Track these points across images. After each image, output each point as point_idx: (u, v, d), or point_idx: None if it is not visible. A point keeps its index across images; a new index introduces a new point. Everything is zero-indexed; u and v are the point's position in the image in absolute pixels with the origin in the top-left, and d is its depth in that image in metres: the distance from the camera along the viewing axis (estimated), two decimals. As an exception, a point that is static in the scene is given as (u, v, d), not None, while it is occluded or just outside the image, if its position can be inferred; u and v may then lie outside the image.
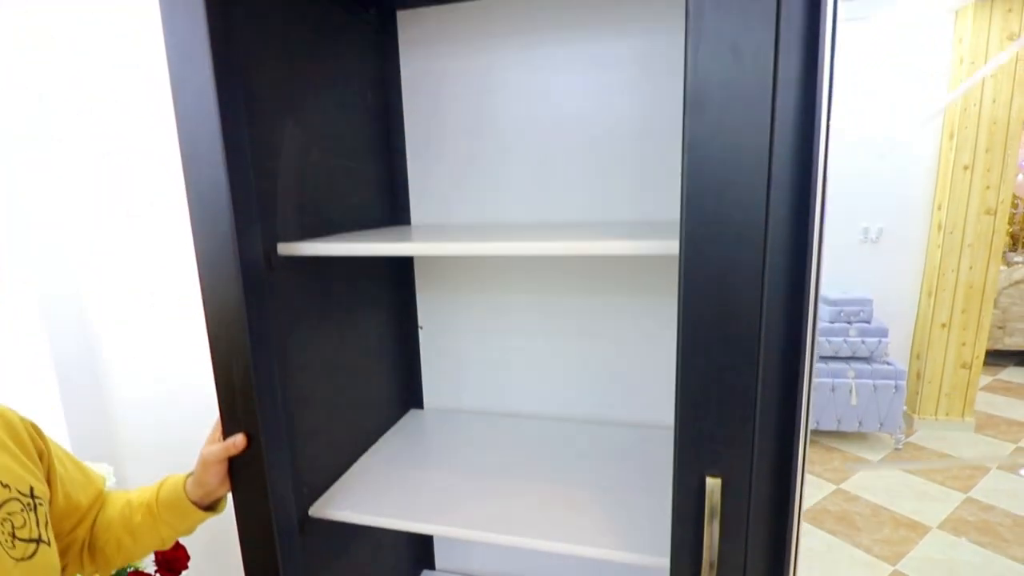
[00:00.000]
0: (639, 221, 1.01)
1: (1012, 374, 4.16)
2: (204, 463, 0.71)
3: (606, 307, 1.08)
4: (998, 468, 2.83)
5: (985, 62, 2.90)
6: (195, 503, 0.74)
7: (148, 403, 1.43)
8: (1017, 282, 4.13)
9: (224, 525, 1.53)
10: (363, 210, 1.03)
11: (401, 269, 1.16)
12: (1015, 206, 6.42)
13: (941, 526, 2.37)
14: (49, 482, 0.70)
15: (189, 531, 0.77)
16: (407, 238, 0.85)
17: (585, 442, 1.05)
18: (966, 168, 3.01)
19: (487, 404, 1.21)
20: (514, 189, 1.08)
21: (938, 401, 3.25)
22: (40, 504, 0.65)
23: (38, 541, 0.62)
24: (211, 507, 0.77)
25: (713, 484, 0.58)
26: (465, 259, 1.15)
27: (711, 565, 0.60)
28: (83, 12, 1.23)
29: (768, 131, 0.50)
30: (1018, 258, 4.79)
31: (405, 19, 1.05)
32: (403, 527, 0.83)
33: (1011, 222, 6.27)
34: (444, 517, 0.83)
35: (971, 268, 3.09)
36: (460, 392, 1.22)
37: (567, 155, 1.04)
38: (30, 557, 0.61)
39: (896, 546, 2.25)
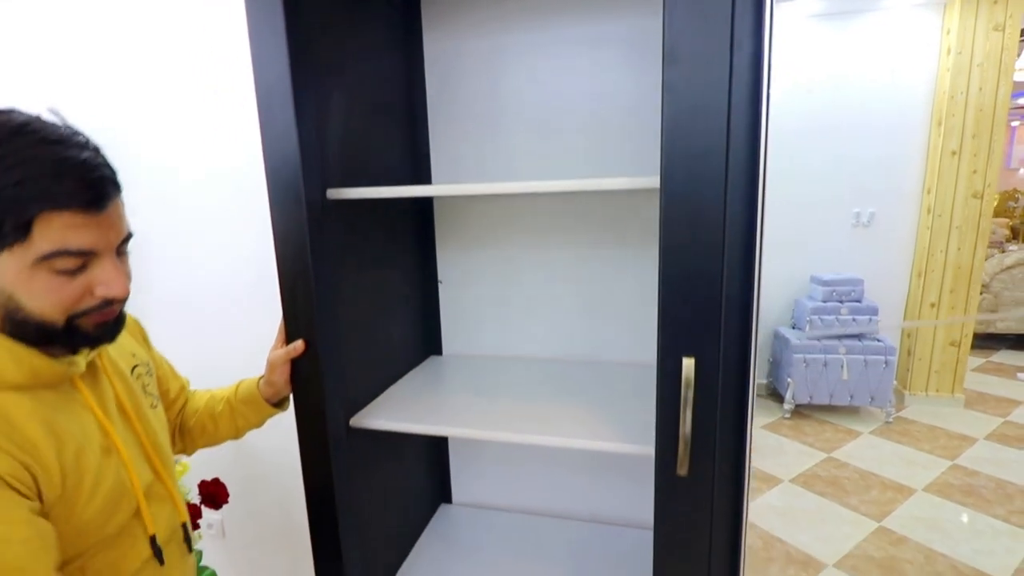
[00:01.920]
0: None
1: (1004, 356, 4.28)
2: (271, 365, 0.86)
3: (601, 260, 1.23)
4: (985, 439, 2.96)
5: (972, 52, 3.03)
6: (266, 400, 0.89)
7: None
8: (1009, 267, 4.25)
9: (257, 471, 1.69)
10: (390, 171, 1.17)
11: (424, 221, 1.31)
12: (1015, 199, 6.51)
13: (926, 488, 2.50)
14: None
15: (260, 424, 0.92)
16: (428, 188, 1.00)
17: (585, 376, 1.20)
18: (954, 154, 3.14)
19: (499, 350, 1.35)
20: (522, 155, 1.23)
21: (928, 378, 3.38)
22: (153, 372, 0.81)
23: (157, 397, 0.79)
24: (278, 404, 0.91)
25: (688, 362, 0.72)
26: (478, 213, 1.29)
27: (686, 443, 0.74)
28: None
29: (726, 95, 0.64)
30: (1013, 247, 4.91)
31: (428, 2, 1.20)
32: (425, 431, 0.97)
33: (1011, 216, 6.36)
34: (460, 421, 0.97)
35: (959, 249, 3.22)
36: (475, 339, 1.36)
37: (569, 123, 1.18)
38: (155, 407, 0.77)
39: (882, 506, 2.38)
